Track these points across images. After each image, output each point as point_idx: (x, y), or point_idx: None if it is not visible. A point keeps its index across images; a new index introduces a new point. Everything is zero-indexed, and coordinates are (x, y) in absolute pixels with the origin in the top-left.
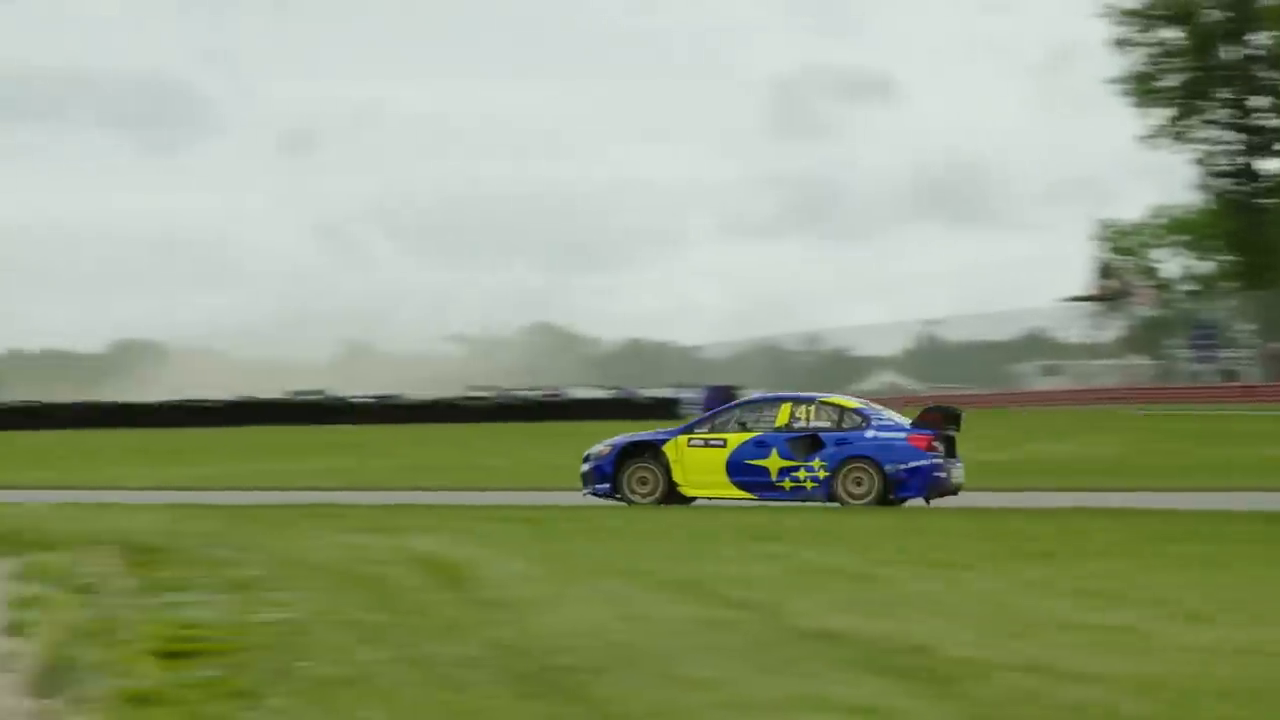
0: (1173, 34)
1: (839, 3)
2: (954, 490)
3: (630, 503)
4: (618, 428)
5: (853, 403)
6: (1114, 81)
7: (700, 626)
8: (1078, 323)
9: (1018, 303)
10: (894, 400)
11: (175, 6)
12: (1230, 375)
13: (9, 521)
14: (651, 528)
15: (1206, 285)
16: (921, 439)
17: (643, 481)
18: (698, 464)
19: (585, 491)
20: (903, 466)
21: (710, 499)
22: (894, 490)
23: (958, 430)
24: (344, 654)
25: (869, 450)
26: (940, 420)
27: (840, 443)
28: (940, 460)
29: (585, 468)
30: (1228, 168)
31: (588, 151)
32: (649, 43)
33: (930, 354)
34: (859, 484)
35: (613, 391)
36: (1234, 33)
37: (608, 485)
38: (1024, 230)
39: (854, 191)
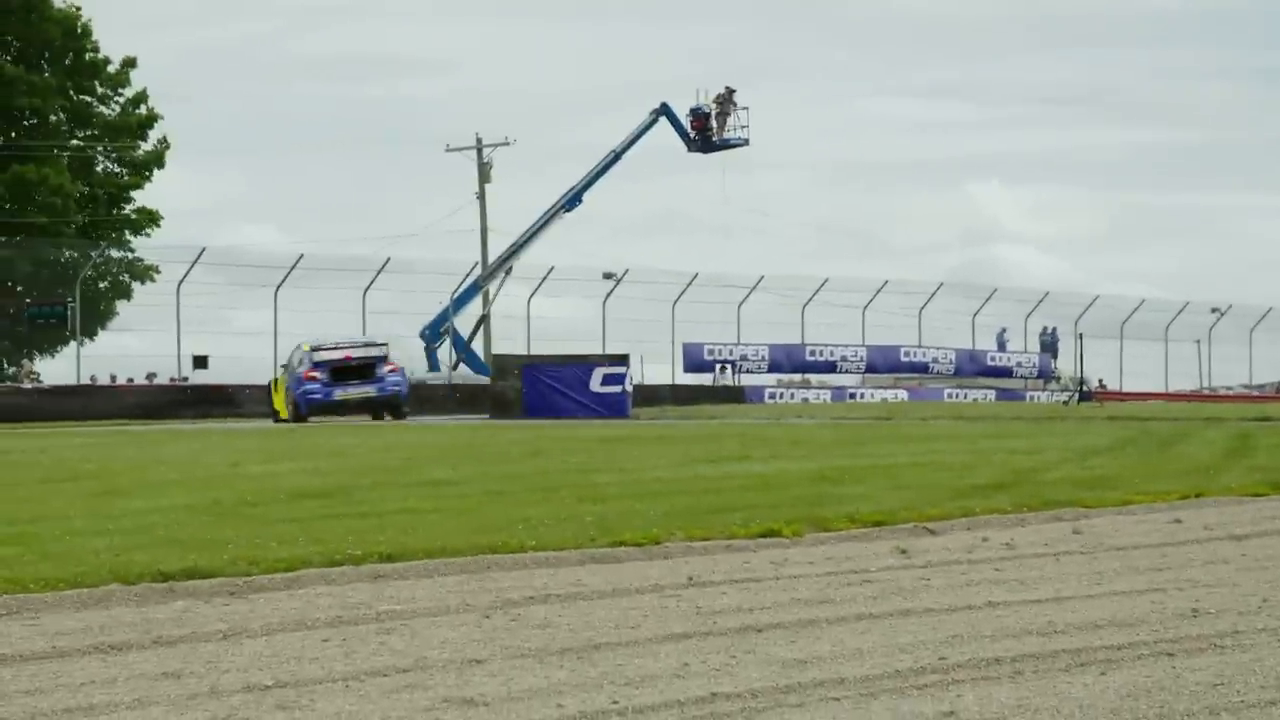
0: None
1: None
2: (337, 408)
3: None
4: None
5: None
6: None
7: None
8: None
9: None
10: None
11: None
12: None
13: None
14: None
15: None
16: (308, 374)
17: None
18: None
19: None
20: (297, 392)
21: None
22: (300, 409)
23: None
24: None
25: (289, 384)
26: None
27: (291, 379)
28: (318, 387)
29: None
30: None
31: None
32: None
33: None
34: (291, 406)
35: None
36: None
37: None
38: None
39: None
